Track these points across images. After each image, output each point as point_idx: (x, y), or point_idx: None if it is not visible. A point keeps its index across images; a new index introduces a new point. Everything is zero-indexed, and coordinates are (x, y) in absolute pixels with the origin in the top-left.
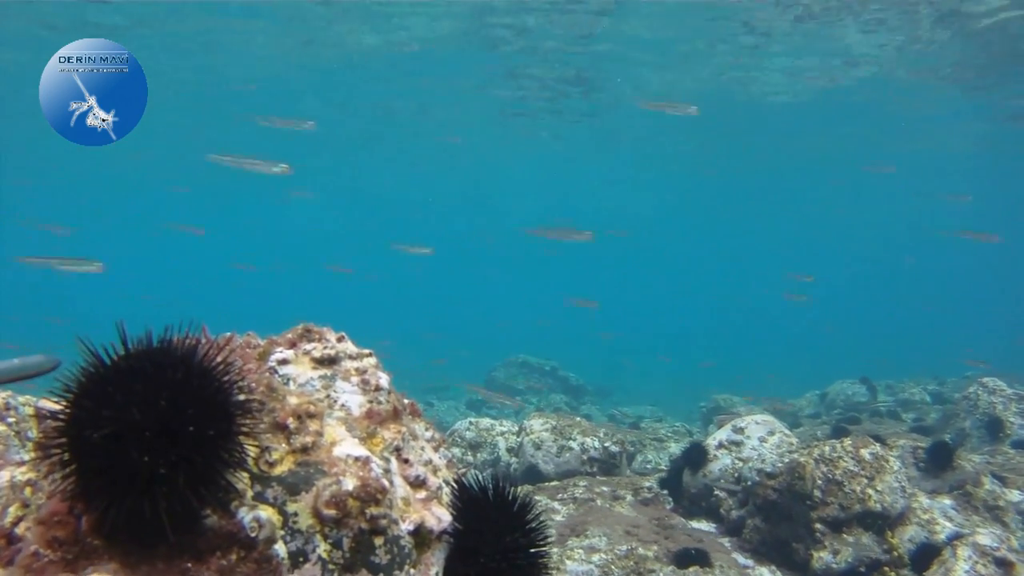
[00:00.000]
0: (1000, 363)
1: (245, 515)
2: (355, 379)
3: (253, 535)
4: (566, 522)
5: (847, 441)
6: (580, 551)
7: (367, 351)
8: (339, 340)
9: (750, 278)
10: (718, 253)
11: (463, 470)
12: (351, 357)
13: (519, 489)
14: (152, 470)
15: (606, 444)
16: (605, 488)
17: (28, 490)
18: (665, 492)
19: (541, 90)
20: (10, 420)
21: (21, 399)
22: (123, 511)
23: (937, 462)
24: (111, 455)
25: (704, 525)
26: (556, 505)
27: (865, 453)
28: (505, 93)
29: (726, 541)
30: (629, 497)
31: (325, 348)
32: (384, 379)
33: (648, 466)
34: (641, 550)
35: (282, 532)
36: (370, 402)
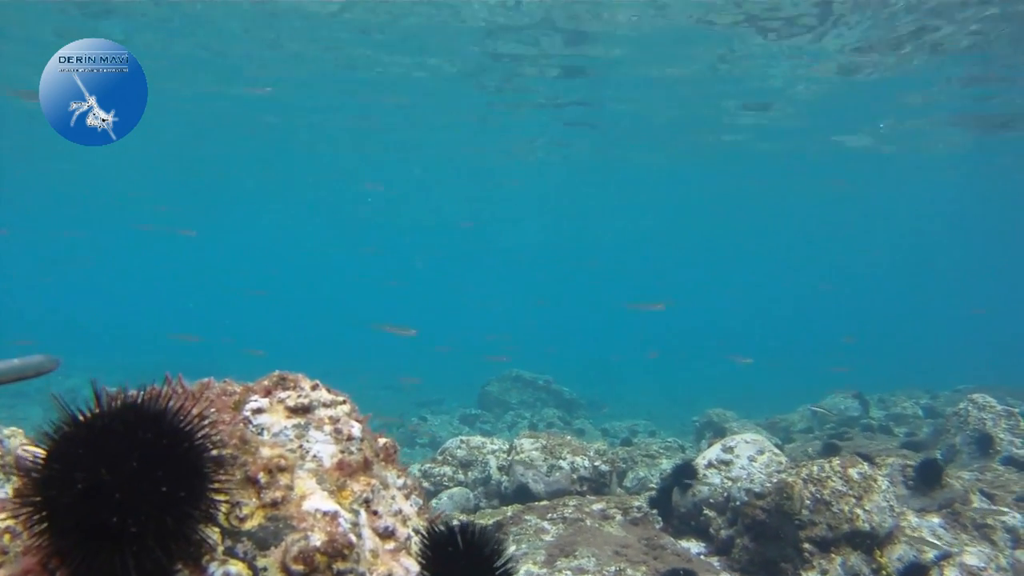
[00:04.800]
0: (997, 377)
1: (216, 570)
2: (328, 428)
3: None
4: (555, 542)
5: (835, 461)
6: (569, 572)
7: (341, 398)
8: (313, 388)
9: (745, 290)
10: (712, 264)
11: (436, 515)
12: (325, 405)
13: (509, 509)
14: (122, 529)
15: (596, 463)
16: (595, 507)
17: (7, 537)
18: (655, 511)
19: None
20: None
21: (7, 431)
22: (95, 569)
23: (926, 480)
24: (82, 514)
25: (693, 545)
26: (546, 525)
27: (853, 472)
28: (499, 106)
29: (715, 561)
30: (619, 517)
31: (299, 397)
32: (356, 428)
33: (639, 483)
34: (630, 571)
35: None
36: (342, 452)
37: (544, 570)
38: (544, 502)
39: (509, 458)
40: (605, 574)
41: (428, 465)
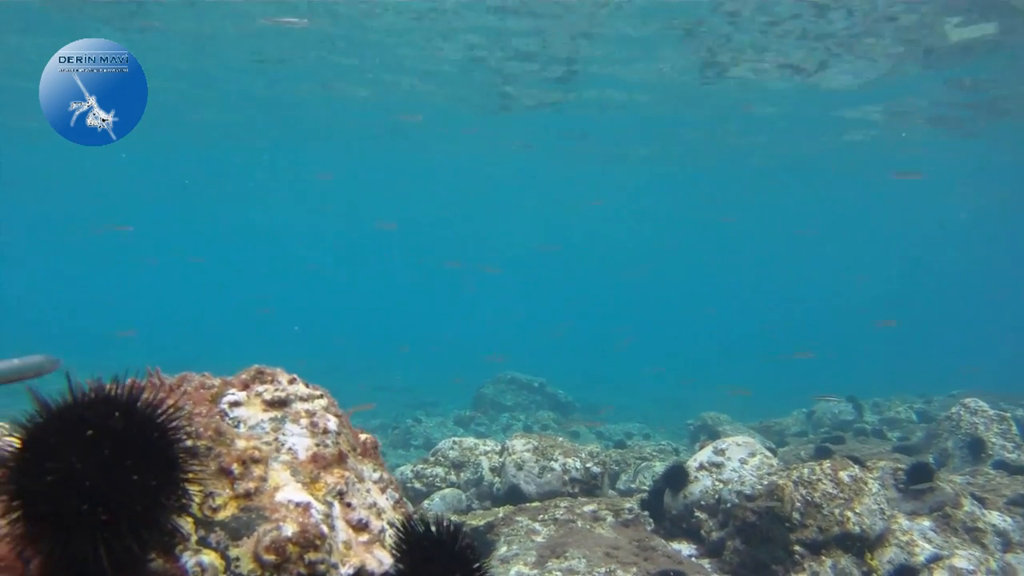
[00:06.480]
0: (991, 382)
1: (188, 559)
2: (304, 421)
3: None
4: (546, 543)
5: (826, 463)
6: (559, 573)
7: (318, 392)
8: (290, 382)
9: (741, 293)
10: (709, 267)
11: (413, 510)
12: (302, 399)
13: (501, 511)
14: (93, 517)
15: (588, 465)
16: (586, 509)
17: None
18: (646, 513)
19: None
20: None
21: None
22: (67, 556)
23: (917, 483)
24: (54, 502)
25: (684, 547)
26: (537, 526)
27: (844, 475)
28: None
29: (706, 563)
30: (610, 518)
31: (276, 390)
32: (332, 422)
33: (632, 486)
34: (620, 572)
35: None
36: (317, 445)
37: (535, 571)
38: (535, 503)
39: (501, 459)
40: (596, 575)
41: (420, 466)
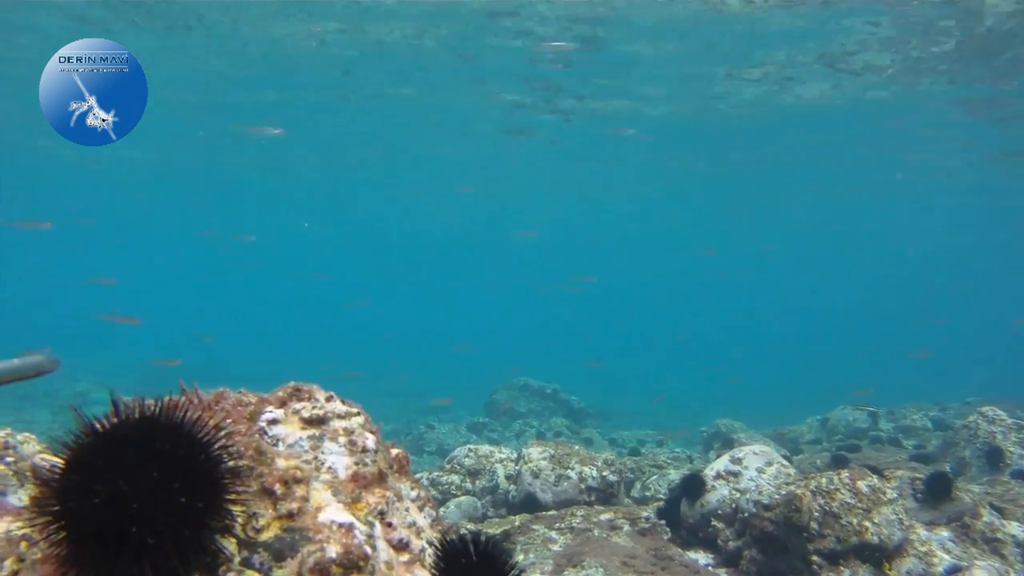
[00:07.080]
0: (1008, 390)
1: None
2: (343, 439)
3: None
4: (563, 552)
5: (844, 473)
6: None
7: (355, 409)
8: (328, 400)
9: (753, 297)
10: (719, 273)
11: (448, 526)
12: (339, 416)
13: (517, 519)
14: (140, 540)
15: (604, 474)
16: (603, 517)
17: (24, 545)
18: (663, 522)
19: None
20: (8, 460)
21: (20, 437)
22: None
23: (935, 493)
24: (101, 524)
25: (701, 556)
26: (553, 535)
27: (862, 485)
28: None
29: (723, 572)
30: (626, 527)
31: (314, 408)
32: (371, 440)
33: (647, 494)
34: None
35: None
36: (356, 464)
37: None
38: (552, 512)
39: (517, 467)
40: None
41: (436, 473)
